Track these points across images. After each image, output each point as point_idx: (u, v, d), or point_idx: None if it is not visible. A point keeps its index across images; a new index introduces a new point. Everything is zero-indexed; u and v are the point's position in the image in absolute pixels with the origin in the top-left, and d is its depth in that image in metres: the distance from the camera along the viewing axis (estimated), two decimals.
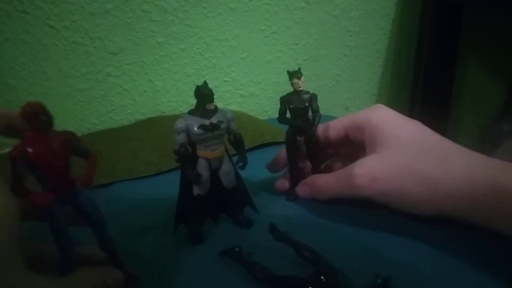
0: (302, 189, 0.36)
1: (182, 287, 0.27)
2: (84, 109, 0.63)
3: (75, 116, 0.63)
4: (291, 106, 0.33)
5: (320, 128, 0.36)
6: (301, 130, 0.34)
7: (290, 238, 0.29)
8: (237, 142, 0.32)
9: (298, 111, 0.33)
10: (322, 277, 0.24)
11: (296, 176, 0.36)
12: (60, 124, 0.70)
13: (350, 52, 0.80)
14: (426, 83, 0.81)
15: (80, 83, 0.62)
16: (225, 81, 0.71)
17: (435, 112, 0.81)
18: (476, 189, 0.25)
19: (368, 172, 0.30)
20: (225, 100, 0.72)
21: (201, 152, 0.30)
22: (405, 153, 0.29)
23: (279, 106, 0.33)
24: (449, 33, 0.79)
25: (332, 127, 0.36)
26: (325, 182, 0.34)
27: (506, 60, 0.89)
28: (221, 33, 0.67)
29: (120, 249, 0.28)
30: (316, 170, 0.36)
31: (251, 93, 0.73)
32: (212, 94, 0.29)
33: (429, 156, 0.28)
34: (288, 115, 0.34)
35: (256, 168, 0.38)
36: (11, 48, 0.57)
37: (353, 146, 0.35)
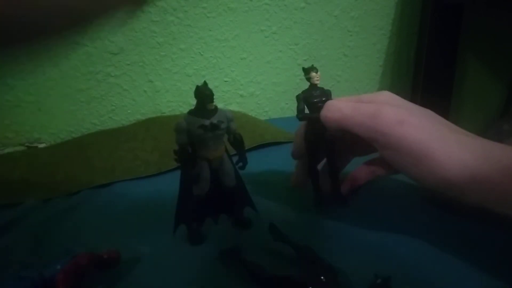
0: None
1: (182, 287, 0.27)
2: (84, 109, 0.63)
3: (75, 116, 0.63)
4: (313, 101, 0.32)
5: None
6: (321, 126, 0.32)
7: (290, 238, 0.29)
8: (237, 142, 0.32)
9: (320, 104, 0.32)
10: (322, 277, 0.24)
11: (316, 179, 0.35)
12: (60, 124, 0.70)
13: (350, 52, 0.80)
14: (426, 83, 0.81)
15: (80, 83, 0.62)
16: (225, 81, 0.71)
17: (435, 111, 0.81)
18: (492, 170, 0.24)
19: (395, 113, 0.28)
20: (225, 100, 0.72)
21: (201, 152, 0.30)
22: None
23: (297, 104, 0.32)
24: (449, 33, 0.79)
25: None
26: (348, 105, 0.30)
27: (506, 60, 0.89)
28: (221, 33, 0.67)
29: (120, 249, 0.28)
30: (332, 170, 0.35)
31: (251, 93, 0.73)
32: (212, 94, 0.29)
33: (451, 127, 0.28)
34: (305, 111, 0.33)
35: (256, 168, 0.38)
36: (11, 48, 0.57)
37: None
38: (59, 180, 0.45)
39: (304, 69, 0.33)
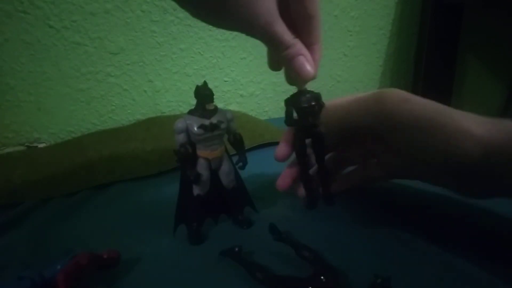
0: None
1: (182, 287, 0.27)
2: (84, 109, 0.64)
3: (75, 116, 0.63)
4: (303, 106, 0.31)
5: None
6: (311, 130, 0.32)
7: (290, 238, 0.28)
8: (237, 142, 0.32)
9: (309, 109, 0.31)
10: (322, 277, 0.24)
11: (309, 181, 0.34)
12: (60, 124, 0.70)
13: (350, 52, 0.80)
14: (426, 83, 0.81)
15: (80, 83, 0.62)
16: (225, 81, 0.71)
17: None
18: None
19: (399, 93, 0.28)
20: (225, 100, 0.72)
21: (201, 152, 0.30)
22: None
23: (285, 109, 0.32)
24: (449, 33, 0.79)
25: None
26: (346, 99, 0.31)
27: (506, 60, 0.89)
28: (221, 33, 0.67)
29: (120, 249, 0.28)
30: (323, 172, 0.35)
31: (251, 93, 0.73)
32: (212, 94, 0.29)
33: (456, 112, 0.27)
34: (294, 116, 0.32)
35: (256, 168, 0.38)
36: (11, 48, 0.57)
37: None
38: (59, 180, 0.45)
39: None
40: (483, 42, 0.86)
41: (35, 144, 0.59)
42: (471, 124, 0.25)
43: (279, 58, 0.30)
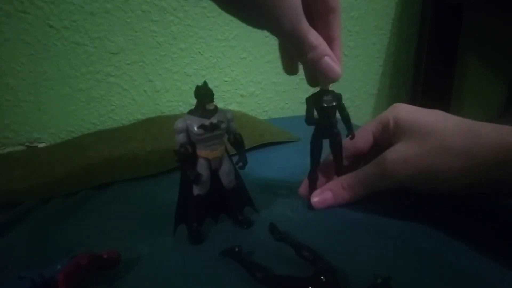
0: (322, 195, 0.35)
1: (182, 287, 0.27)
2: (84, 109, 0.64)
3: (75, 116, 0.63)
4: (324, 105, 0.31)
5: (347, 142, 0.35)
6: (330, 130, 0.33)
7: (290, 238, 0.28)
8: (237, 142, 0.32)
9: (330, 110, 0.31)
10: (322, 277, 0.24)
11: (315, 181, 0.35)
12: (60, 124, 0.70)
13: (350, 52, 0.80)
14: (426, 83, 0.81)
15: (80, 83, 0.62)
16: (225, 81, 0.71)
17: None
18: (509, 154, 0.25)
19: (398, 156, 0.30)
20: (225, 100, 0.72)
21: (201, 152, 0.30)
22: (433, 134, 0.29)
23: (306, 107, 0.32)
24: (449, 33, 0.79)
25: (360, 136, 0.36)
26: (354, 177, 0.33)
27: (506, 60, 0.89)
28: (221, 33, 0.67)
29: (120, 249, 0.28)
30: (340, 171, 0.36)
31: (251, 93, 0.73)
32: (212, 94, 0.29)
33: (457, 132, 0.28)
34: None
35: (256, 168, 0.38)
36: (11, 48, 0.57)
37: (382, 151, 0.35)
38: (59, 180, 0.45)
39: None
40: (483, 42, 0.86)
41: (35, 144, 0.59)
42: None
43: (302, 60, 0.29)
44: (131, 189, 0.43)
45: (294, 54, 0.30)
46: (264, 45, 0.70)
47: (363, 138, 0.36)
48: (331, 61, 0.29)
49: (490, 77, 0.91)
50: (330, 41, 0.29)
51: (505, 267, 0.26)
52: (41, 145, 0.59)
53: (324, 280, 0.24)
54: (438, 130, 0.29)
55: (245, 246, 0.28)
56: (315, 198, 0.35)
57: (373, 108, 0.87)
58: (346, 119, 0.33)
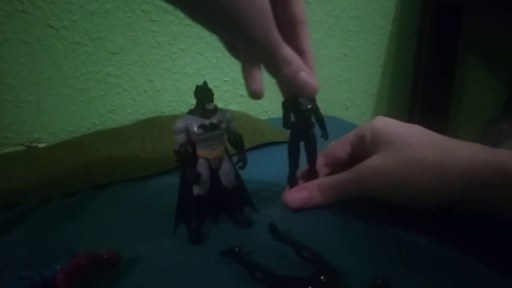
0: (298, 194, 0.35)
1: (182, 287, 0.27)
2: (84, 109, 0.64)
3: (75, 116, 0.63)
4: (301, 109, 0.32)
5: (328, 149, 0.37)
6: (306, 133, 0.34)
7: (290, 238, 0.28)
8: (237, 142, 0.32)
9: (306, 112, 0.32)
10: (322, 277, 0.24)
11: (295, 184, 0.36)
12: (60, 124, 0.70)
13: (350, 52, 0.80)
14: (426, 83, 0.81)
15: (80, 83, 0.62)
16: (225, 81, 0.71)
17: (435, 111, 0.81)
18: (481, 172, 0.25)
19: (373, 166, 0.30)
20: (225, 100, 0.72)
21: (201, 152, 0.30)
22: (408, 147, 0.30)
23: (283, 112, 0.33)
24: (449, 33, 0.79)
25: (339, 145, 0.37)
26: (330, 181, 0.34)
27: (506, 60, 0.89)
28: None
29: (120, 249, 0.28)
30: (313, 173, 0.36)
31: None
32: (212, 94, 0.29)
33: (431, 147, 0.29)
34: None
35: (256, 168, 0.38)
36: (11, 48, 0.57)
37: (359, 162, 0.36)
38: (59, 180, 0.45)
39: None
40: (483, 42, 0.86)
41: (35, 144, 0.59)
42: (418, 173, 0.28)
43: (277, 75, 0.29)
44: (131, 189, 0.43)
45: (268, 69, 0.29)
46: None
47: (341, 147, 0.36)
48: (307, 76, 0.28)
49: (490, 78, 0.91)
50: (300, 53, 0.29)
51: (504, 268, 0.26)
52: (41, 145, 0.59)
53: (324, 280, 0.24)
54: (414, 143, 0.29)
55: (245, 246, 0.28)
56: (292, 196, 0.35)
57: (373, 108, 0.87)
58: (320, 120, 0.34)
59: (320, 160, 0.37)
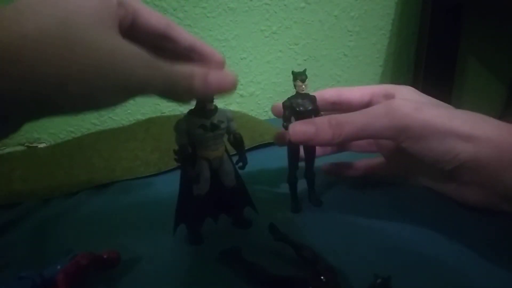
0: (304, 126, 0.30)
1: (182, 287, 0.27)
2: (84, 113, 0.63)
3: (75, 116, 0.63)
4: (300, 109, 0.31)
5: (344, 90, 0.33)
6: None
7: (290, 238, 0.28)
8: (237, 142, 0.32)
9: (306, 113, 0.32)
10: (322, 277, 0.24)
11: (295, 184, 0.35)
12: (60, 124, 0.70)
13: (350, 52, 0.80)
14: (426, 83, 0.81)
15: None
16: None
17: None
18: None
19: (410, 102, 0.27)
20: (225, 100, 0.72)
21: (201, 152, 0.30)
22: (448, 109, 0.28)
23: (283, 112, 0.32)
24: (449, 33, 0.79)
25: (358, 89, 0.33)
26: (346, 116, 0.29)
27: (506, 60, 0.89)
28: (221, 33, 0.67)
29: (120, 249, 0.28)
30: (310, 175, 0.36)
31: (251, 93, 0.73)
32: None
33: (466, 113, 0.28)
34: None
35: (256, 168, 0.38)
36: None
37: None
38: (59, 180, 0.45)
39: (293, 73, 0.32)
40: (483, 42, 0.86)
41: (35, 144, 0.59)
42: (482, 125, 0.27)
43: (188, 98, 0.26)
44: (131, 189, 0.43)
45: (175, 98, 0.26)
46: (264, 45, 0.70)
47: (358, 93, 0.33)
48: (216, 76, 0.25)
49: (490, 77, 0.91)
50: (191, 48, 0.27)
51: (504, 269, 0.26)
52: (41, 145, 0.59)
53: (324, 280, 0.24)
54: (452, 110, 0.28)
55: (245, 246, 0.28)
56: (295, 127, 0.30)
57: None
58: None
59: (327, 93, 0.33)
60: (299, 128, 0.30)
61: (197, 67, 0.24)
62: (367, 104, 0.32)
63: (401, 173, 0.37)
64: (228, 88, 0.26)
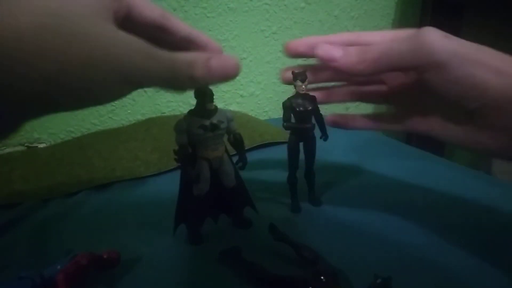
0: (330, 48, 0.29)
1: (182, 287, 0.27)
2: (84, 109, 0.63)
3: (75, 116, 0.63)
4: (299, 109, 0.32)
5: (363, 34, 0.31)
6: (306, 134, 0.33)
7: (290, 238, 0.28)
8: (237, 142, 0.32)
9: (306, 113, 0.32)
10: (322, 277, 0.24)
11: (295, 184, 0.35)
12: (60, 124, 0.70)
13: None
14: None
15: None
16: None
17: None
18: None
19: (440, 33, 0.25)
20: (225, 100, 0.72)
21: (201, 152, 0.30)
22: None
23: (283, 112, 0.32)
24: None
25: (379, 33, 0.30)
26: (375, 46, 0.27)
27: None
28: (221, 33, 0.67)
29: (120, 249, 0.28)
30: (310, 174, 0.36)
31: (251, 93, 0.73)
32: (212, 94, 0.29)
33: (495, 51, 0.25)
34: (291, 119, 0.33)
35: (256, 168, 0.38)
36: None
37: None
38: (59, 180, 0.45)
39: (293, 74, 0.32)
40: (483, 42, 0.86)
41: (35, 144, 0.59)
42: (500, 62, 0.24)
43: (195, 83, 0.24)
44: (131, 189, 0.43)
45: (177, 87, 0.24)
46: (264, 46, 0.70)
47: (379, 37, 0.30)
48: (218, 59, 0.24)
49: None
50: (188, 39, 0.26)
51: (504, 269, 0.26)
52: (41, 145, 0.59)
53: (324, 280, 0.24)
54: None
55: (245, 246, 0.28)
56: (324, 47, 0.29)
57: (373, 108, 0.87)
58: (320, 121, 0.34)
59: (344, 36, 0.31)
60: (326, 48, 0.29)
61: (198, 53, 0.24)
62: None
63: (411, 124, 0.32)
64: (231, 73, 0.24)
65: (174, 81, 0.23)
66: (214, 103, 0.30)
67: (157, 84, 0.22)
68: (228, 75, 0.24)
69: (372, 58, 0.27)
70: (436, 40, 0.24)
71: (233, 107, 0.72)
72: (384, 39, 0.30)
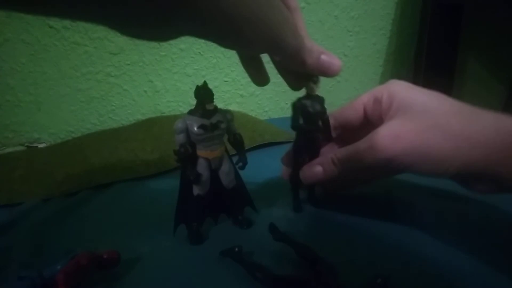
0: (312, 170, 0.33)
1: (182, 287, 0.27)
2: (84, 109, 0.64)
3: (75, 116, 0.63)
4: (309, 110, 0.31)
5: (339, 111, 0.34)
6: (312, 135, 0.33)
7: (290, 238, 0.29)
8: (237, 142, 0.32)
9: (316, 115, 0.32)
10: (322, 277, 0.24)
11: (298, 184, 0.35)
12: (60, 124, 0.70)
13: (350, 52, 0.80)
14: (426, 83, 0.81)
15: (80, 83, 0.62)
16: (225, 81, 0.71)
17: None
18: (505, 140, 0.25)
19: (390, 132, 0.28)
20: (225, 100, 0.72)
21: (201, 152, 0.30)
22: (428, 113, 0.28)
23: (292, 113, 0.32)
24: (449, 33, 0.79)
25: (351, 107, 0.34)
26: (344, 152, 0.31)
27: (506, 60, 0.89)
28: None
29: (120, 249, 0.28)
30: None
31: (251, 93, 0.73)
32: (212, 94, 0.29)
33: (453, 113, 0.27)
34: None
35: (256, 168, 0.38)
36: (11, 48, 0.57)
37: (371, 129, 0.33)
38: (59, 180, 0.45)
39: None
40: (483, 42, 0.86)
41: (35, 144, 0.59)
42: (464, 140, 0.26)
43: (299, 68, 0.29)
44: (131, 189, 0.43)
45: (291, 66, 0.29)
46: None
47: (353, 110, 0.34)
48: (328, 58, 0.28)
49: (490, 77, 0.91)
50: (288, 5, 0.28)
51: (503, 269, 0.26)
52: (41, 145, 0.59)
53: (324, 280, 0.24)
54: (434, 109, 0.28)
55: (245, 246, 0.28)
56: (306, 173, 0.33)
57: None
58: (326, 122, 0.33)
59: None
60: (309, 172, 0.33)
61: (316, 45, 0.28)
62: (365, 117, 0.34)
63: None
64: (334, 71, 0.29)
65: (291, 59, 0.27)
66: (214, 103, 0.30)
67: (279, 53, 0.26)
68: (330, 71, 0.29)
69: (347, 165, 0.31)
70: (387, 147, 0.27)
71: (233, 107, 0.72)
72: (357, 112, 0.34)
